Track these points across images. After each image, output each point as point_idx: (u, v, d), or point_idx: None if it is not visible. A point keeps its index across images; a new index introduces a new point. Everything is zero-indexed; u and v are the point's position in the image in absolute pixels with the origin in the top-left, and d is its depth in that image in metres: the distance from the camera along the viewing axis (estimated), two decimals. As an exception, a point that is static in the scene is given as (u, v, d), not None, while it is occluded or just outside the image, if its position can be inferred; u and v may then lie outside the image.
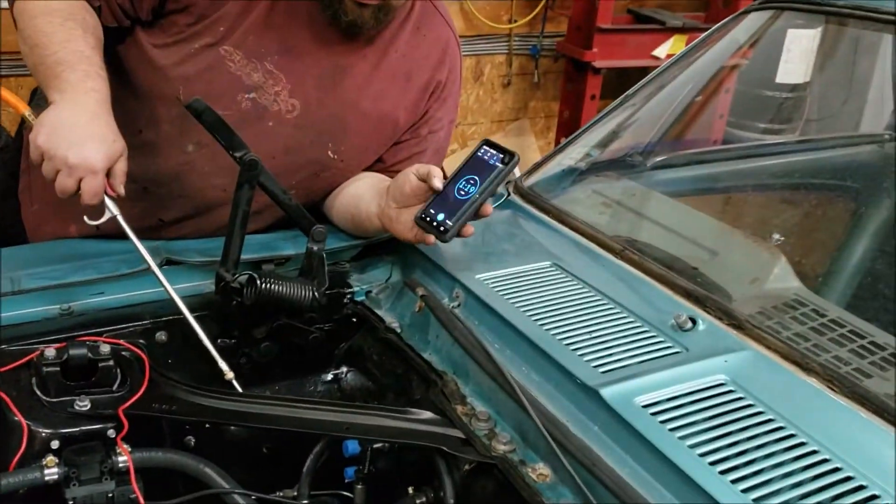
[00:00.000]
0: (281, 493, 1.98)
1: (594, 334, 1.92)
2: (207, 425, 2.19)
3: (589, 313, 2.01)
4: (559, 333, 1.92)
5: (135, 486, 1.79)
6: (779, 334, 1.92)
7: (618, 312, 2.02)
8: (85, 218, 2.06)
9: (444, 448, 1.82)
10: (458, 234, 2.10)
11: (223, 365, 2.07)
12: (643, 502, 1.54)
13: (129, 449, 1.83)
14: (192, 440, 2.18)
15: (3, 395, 1.89)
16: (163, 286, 2.06)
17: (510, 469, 1.72)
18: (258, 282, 2.10)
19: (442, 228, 2.08)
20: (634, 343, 1.90)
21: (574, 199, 2.57)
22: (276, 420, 1.93)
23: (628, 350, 1.87)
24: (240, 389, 2.08)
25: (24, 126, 2.20)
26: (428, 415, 1.92)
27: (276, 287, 2.12)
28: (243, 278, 2.12)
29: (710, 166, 2.97)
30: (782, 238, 2.20)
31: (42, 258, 2.27)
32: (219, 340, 2.24)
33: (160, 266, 2.22)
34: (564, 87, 6.31)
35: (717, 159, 3.04)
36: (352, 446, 2.13)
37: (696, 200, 2.73)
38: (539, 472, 1.72)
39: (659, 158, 2.84)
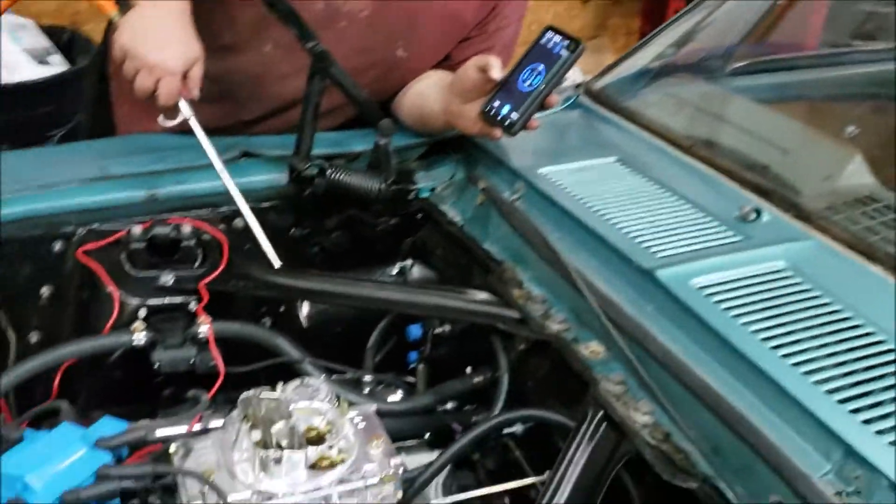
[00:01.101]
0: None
1: (654, 224, 1.93)
2: (282, 308, 2.31)
3: (651, 205, 2.02)
4: (618, 222, 1.94)
5: (214, 352, 1.91)
6: (846, 226, 1.89)
7: (681, 204, 2.02)
8: (160, 119, 2.16)
9: (500, 326, 1.88)
10: (524, 128, 2.12)
11: (272, 254, 2.14)
12: (694, 375, 1.57)
13: (210, 319, 1.96)
14: (267, 321, 2.30)
15: (97, 267, 2.04)
16: (222, 180, 2.14)
17: (564, 346, 1.77)
18: (328, 171, 2.18)
19: (507, 122, 2.10)
20: (695, 232, 1.90)
21: (646, 101, 2.54)
22: (343, 297, 2.03)
23: (688, 238, 1.88)
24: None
25: (110, 28, 2.30)
26: (485, 295, 1.98)
27: (345, 177, 2.20)
28: (315, 169, 2.20)
29: (794, 73, 2.88)
30: (857, 130, 2.15)
31: (130, 149, 2.40)
32: (293, 230, 2.35)
33: (238, 157, 2.34)
34: (646, 3, 6.12)
35: (802, 66, 2.95)
36: (414, 331, 2.23)
37: (774, 107, 2.66)
38: (592, 349, 1.77)
39: (739, 63, 2.78)
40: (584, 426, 1.62)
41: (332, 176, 2.19)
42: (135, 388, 2.07)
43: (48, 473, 1.35)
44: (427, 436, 2.03)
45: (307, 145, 2.23)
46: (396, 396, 2.05)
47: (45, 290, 2.13)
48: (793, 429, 1.43)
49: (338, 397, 1.69)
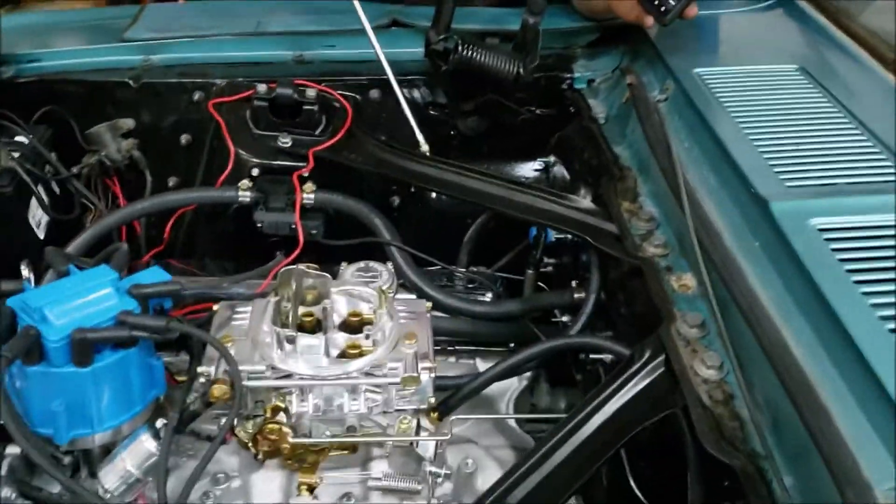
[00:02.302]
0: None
1: (804, 146, 1.58)
2: (412, 189, 2.22)
3: (812, 125, 1.65)
4: (762, 141, 1.61)
5: (297, 218, 1.87)
6: None
7: (852, 129, 1.64)
8: None
9: (590, 240, 1.66)
10: (680, 15, 1.83)
11: (419, 134, 2.05)
12: (774, 333, 1.28)
13: (314, 188, 1.92)
14: (396, 200, 2.24)
15: (221, 120, 2.06)
16: (372, 45, 2.04)
17: (652, 272, 1.53)
18: (459, 47, 2.01)
19: (662, 8, 1.82)
20: (851, 164, 1.53)
21: (867, 5, 2.09)
22: (446, 185, 1.89)
23: (838, 169, 1.52)
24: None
25: None
26: (587, 204, 1.76)
27: (478, 55, 2.02)
28: (447, 43, 2.04)
29: None
30: None
31: (287, 9, 2.37)
32: (429, 109, 2.23)
33: (387, 26, 2.24)
34: None
35: None
36: (533, 232, 2.04)
37: None
38: (683, 282, 1.51)
39: None
40: (637, 365, 1.40)
41: (465, 53, 2.02)
42: (248, 246, 2.10)
43: (68, 310, 1.39)
44: (511, 345, 1.89)
45: (447, 17, 2.06)
46: (486, 299, 1.91)
47: (184, 138, 2.20)
48: (871, 425, 1.12)
49: (388, 288, 1.60)
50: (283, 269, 1.51)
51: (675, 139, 1.70)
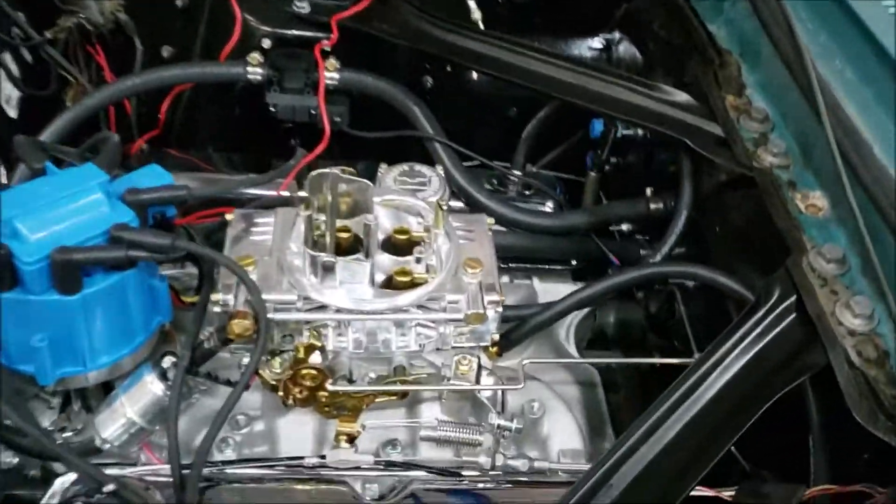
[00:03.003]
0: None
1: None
2: (449, 68, 1.89)
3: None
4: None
5: (322, 104, 1.55)
6: None
7: None
8: None
9: (691, 144, 1.36)
10: None
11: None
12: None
13: (338, 65, 1.59)
14: (429, 80, 1.90)
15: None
16: None
17: (771, 188, 1.24)
18: None
19: None
20: None
21: None
22: (503, 67, 1.56)
23: None
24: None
25: None
26: (685, 98, 1.44)
27: None
28: None
29: None
30: None
31: None
32: (477, -29, 1.87)
33: None
34: None
35: None
36: (598, 127, 1.73)
37: None
38: (811, 201, 1.22)
39: None
40: (763, 310, 1.12)
41: None
42: (258, 133, 1.78)
43: (46, 221, 1.09)
44: (574, 263, 1.61)
45: None
46: (547, 208, 1.62)
47: (180, 1, 1.84)
48: None
49: (444, 200, 1.31)
50: (314, 174, 1.21)
51: (796, 18, 1.37)
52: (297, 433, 1.28)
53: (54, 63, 1.71)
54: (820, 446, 1.12)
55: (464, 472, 1.23)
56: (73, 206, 1.12)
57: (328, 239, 1.18)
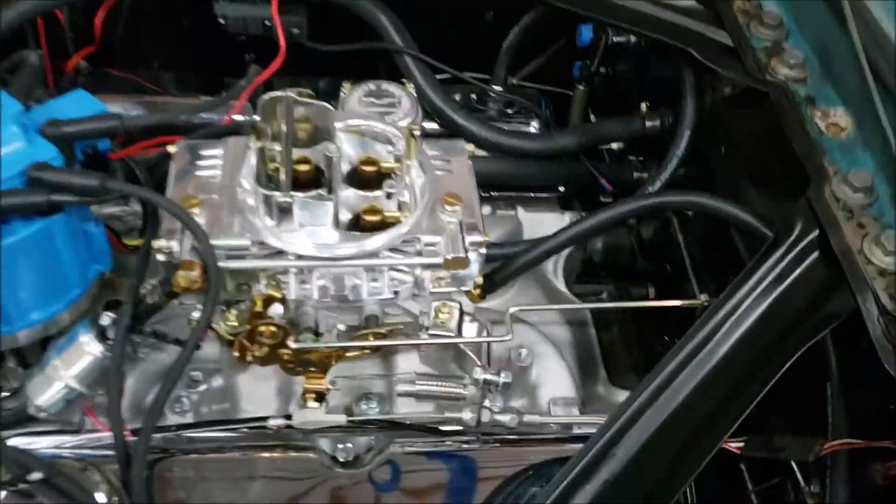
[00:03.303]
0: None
1: None
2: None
3: None
4: None
5: (276, 16, 1.36)
6: None
7: None
8: None
9: (695, 53, 1.20)
10: None
11: None
12: None
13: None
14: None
15: None
16: None
17: (786, 105, 1.09)
18: None
19: None
20: None
21: None
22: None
23: None
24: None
25: None
26: (688, 2, 1.27)
27: None
28: None
29: None
30: None
31: None
32: None
33: None
34: None
35: None
36: (586, 33, 1.56)
37: None
38: (832, 119, 1.08)
39: None
40: (783, 248, 0.99)
41: None
42: (210, 48, 1.59)
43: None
44: (561, 189, 1.47)
45: None
46: (531, 128, 1.46)
47: None
48: None
49: (417, 124, 1.15)
50: (265, 98, 1.04)
51: None
52: (261, 390, 1.15)
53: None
54: (839, 396, 1.01)
55: (446, 429, 1.11)
56: (-18, 143, 0.95)
57: (283, 174, 1.02)
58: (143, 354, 1.15)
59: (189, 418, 1.13)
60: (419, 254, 1.06)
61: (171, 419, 1.12)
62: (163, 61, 1.68)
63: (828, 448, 1.00)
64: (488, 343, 1.14)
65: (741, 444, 1.08)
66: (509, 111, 1.46)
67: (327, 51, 1.42)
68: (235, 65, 1.57)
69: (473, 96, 1.47)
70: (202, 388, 1.16)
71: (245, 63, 1.53)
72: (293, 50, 1.39)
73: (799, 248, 0.98)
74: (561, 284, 1.42)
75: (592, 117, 1.64)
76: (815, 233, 0.99)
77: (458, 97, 1.44)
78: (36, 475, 0.87)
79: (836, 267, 0.95)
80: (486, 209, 1.41)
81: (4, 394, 1.08)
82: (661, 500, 0.92)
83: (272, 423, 1.08)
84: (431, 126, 1.35)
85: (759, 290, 0.97)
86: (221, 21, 1.44)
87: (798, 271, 0.97)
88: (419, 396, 1.12)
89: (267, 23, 1.41)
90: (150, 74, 1.63)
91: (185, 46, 1.67)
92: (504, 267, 1.23)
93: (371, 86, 1.24)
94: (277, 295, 1.04)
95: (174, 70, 1.64)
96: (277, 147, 1.04)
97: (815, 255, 0.98)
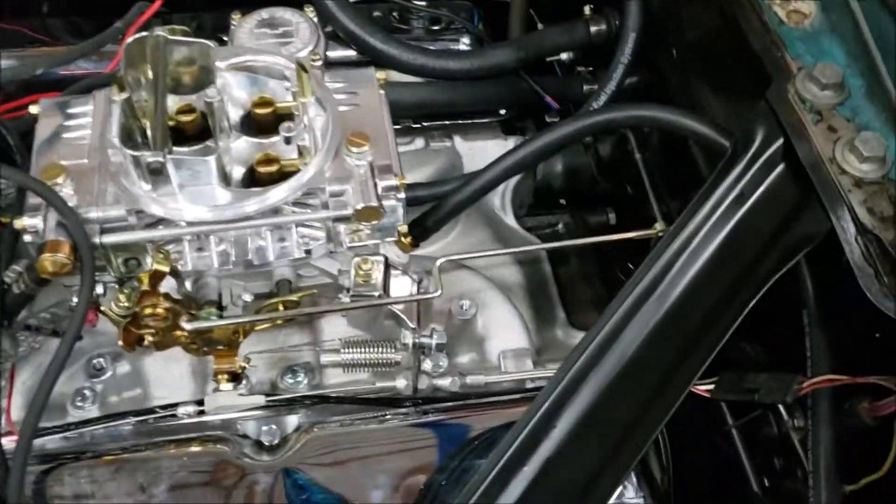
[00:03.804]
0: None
1: None
2: None
3: None
4: None
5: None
6: None
7: None
8: None
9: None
10: None
11: None
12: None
13: None
14: None
15: None
16: None
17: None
18: None
19: None
20: None
21: None
22: None
23: None
24: None
25: None
26: None
27: None
28: None
29: None
30: None
31: None
32: None
33: None
34: None
35: None
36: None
37: None
38: (794, 7, 0.93)
39: None
40: (743, 162, 0.85)
41: None
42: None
43: None
44: (503, 112, 1.31)
45: None
46: (462, 45, 1.30)
47: None
48: None
49: (315, 54, 0.99)
50: (130, 41, 0.89)
51: None
52: (172, 372, 1.03)
53: None
54: (818, 328, 0.88)
55: (381, 399, 0.99)
56: None
57: (154, 129, 0.87)
58: (35, 345, 1.02)
59: (95, 412, 1.00)
60: (325, 206, 0.92)
61: (74, 415, 1.00)
62: (52, 6, 1.50)
63: (808, 386, 0.88)
64: (419, 309, 1.00)
65: (711, 388, 0.96)
66: (436, 28, 1.30)
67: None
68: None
69: (395, 15, 1.31)
70: (106, 375, 1.03)
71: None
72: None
73: (761, 161, 0.84)
74: (510, 219, 1.28)
75: (540, 25, 1.48)
76: (779, 141, 0.84)
77: (377, 15, 1.28)
78: None
79: (805, 180, 0.81)
80: (420, 142, 1.27)
81: None
82: (626, 457, 0.81)
83: (182, 410, 0.95)
84: (347, 55, 1.20)
85: (717, 213, 0.83)
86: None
87: (761, 189, 0.83)
88: (347, 366, 0.99)
89: (161, -46, 1.24)
90: (39, 22, 1.46)
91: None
92: (436, 209, 1.09)
93: (263, 14, 1.08)
94: (165, 269, 0.90)
95: (64, 16, 1.47)
96: (147, 99, 0.89)
97: (780, 168, 0.84)
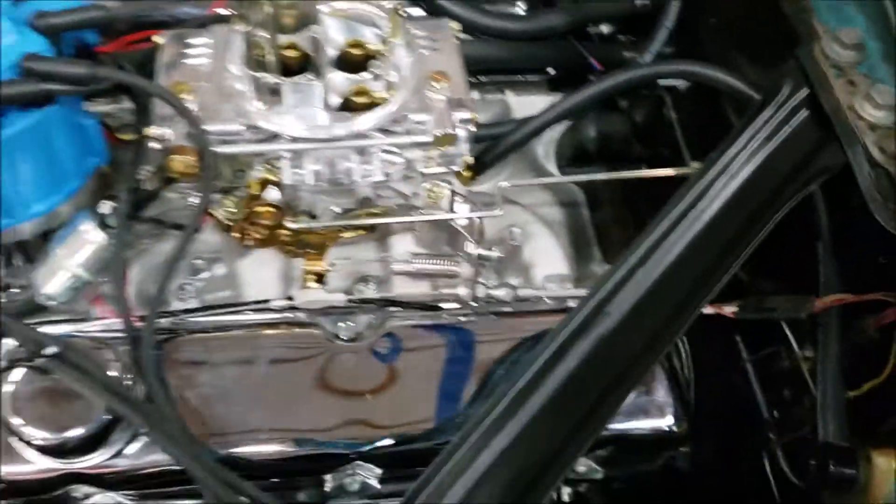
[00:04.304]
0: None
1: None
2: None
3: None
4: None
5: None
6: None
7: None
8: None
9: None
10: None
11: None
12: None
13: None
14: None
15: None
16: None
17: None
18: None
19: None
20: None
21: None
22: None
23: None
24: None
25: None
26: None
27: None
28: None
29: None
30: None
31: None
32: None
33: None
34: None
35: None
36: None
37: None
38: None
39: None
40: (772, 108, 1.00)
41: None
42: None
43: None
44: (551, 71, 1.46)
45: None
46: (517, 9, 1.45)
47: None
48: None
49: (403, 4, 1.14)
50: (248, -18, 1.04)
51: None
52: (262, 275, 1.17)
53: None
54: (829, 255, 1.02)
55: (443, 306, 1.14)
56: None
57: (271, 58, 1.02)
58: (145, 245, 1.17)
59: (193, 304, 1.15)
60: (408, 132, 1.07)
61: (176, 306, 1.14)
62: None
63: (819, 305, 1.02)
64: (481, 221, 1.15)
65: (735, 310, 1.11)
66: (495, -8, 1.45)
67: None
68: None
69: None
70: (205, 275, 1.17)
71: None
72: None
73: (789, 106, 0.99)
74: (552, 166, 1.42)
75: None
76: (805, 91, 0.99)
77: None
78: (50, 349, 0.90)
79: (826, 124, 0.96)
80: (475, 94, 1.40)
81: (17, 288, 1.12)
82: (653, 354, 0.94)
83: (275, 303, 1.10)
84: (417, 12, 1.34)
85: (749, 148, 0.97)
86: None
87: (788, 129, 0.97)
88: (415, 275, 1.14)
89: None
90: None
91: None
92: (493, 147, 1.24)
93: (351, -34, 1.23)
94: (273, 178, 1.06)
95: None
96: (262, 33, 1.04)
97: (805, 112, 0.98)
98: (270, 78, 1.01)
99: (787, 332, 1.13)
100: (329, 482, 1.08)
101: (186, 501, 1.05)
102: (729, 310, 1.11)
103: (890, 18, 0.98)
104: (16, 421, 0.92)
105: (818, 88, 0.98)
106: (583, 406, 0.87)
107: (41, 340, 0.91)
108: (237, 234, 1.08)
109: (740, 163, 0.96)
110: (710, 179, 0.97)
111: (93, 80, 0.96)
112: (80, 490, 0.99)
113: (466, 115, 1.08)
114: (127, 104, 1.19)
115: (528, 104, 1.42)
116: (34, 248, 1.12)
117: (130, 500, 1.04)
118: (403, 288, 1.16)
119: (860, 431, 1.00)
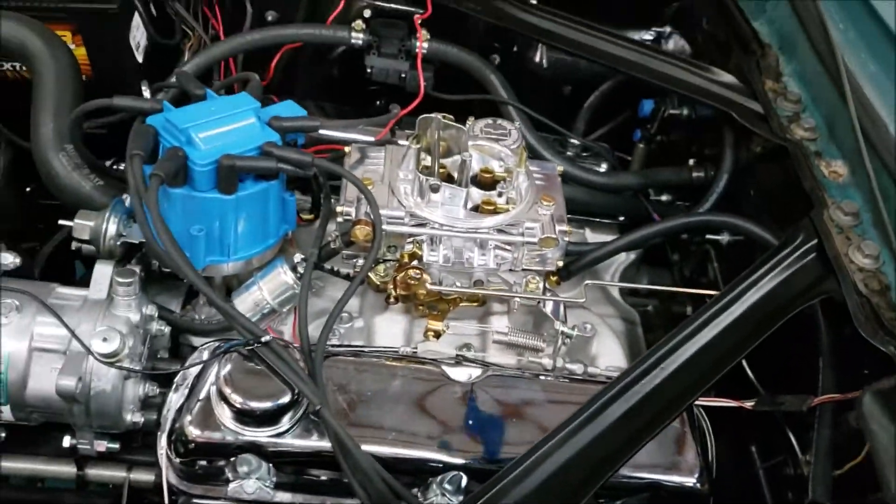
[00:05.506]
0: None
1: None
2: (515, 48, 2.14)
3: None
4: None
5: (420, 69, 1.81)
6: None
7: None
8: None
9: (736, 116, 1.60)
10: None
11: None
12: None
13: (428, 37, 1.84)
14: (496, 58, 2.13)
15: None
16: None
17: (801, 156, 1.49)
18: None
19: None
20: None
21: None
22: (573, 44, 1.80)
23: None
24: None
25: None
26: (730, 79, 1.69)
27: None
28: None
29: None
30: None
31: None
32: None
33: None
34: None
35: None
36: (647, 106, 1.99)
37: None
38: (833, 168, 1.47)
39: None
40: (789, 249, 1.37)
41: None
42: (349, 91, 2.04)
43: (214, 134, 1.34)
44: (621, 218, 1.86)
45: None
46: (601, 168, 1.88)
47: (287, -31, 2.08)
48: None
49: (524, 146, 1.55)
50: (423, 117, 1.46)
51: (829, 18, 1.62)
52: (391, 330, 1.53)
53: (178, 17, 1.97)
54: (829, 362, 1.35)
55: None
56: (233, 125, 1.37)
57: (435, 169, 1.44)
58: (313, 290, 1.54)
59: (335, 342, 1.51)
60: (521, 234, 1.45)
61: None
62: (335, 99, 2.10)
63: (817, 401, 1.35)
64: (564, 311, 1.51)
65: (753, 404, 1.44)
66: (584, 154, 1.88)
67: (450, 99, 1.84)
68: (365, 106, 2.02)
69: (557, 144, 1.89)
70: (348, 325, 1.54)
71: (373, 105, 2.00)
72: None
73: (801, 250, 1.36)
74: (616, 293, 1.80)
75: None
76: (815, 241, 1.36)
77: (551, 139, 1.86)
78: (266, 338, 1.25)
79: (828, 264, 1.33)
80: (562, 226, 1.81)
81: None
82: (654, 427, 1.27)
83: (402, 350, 1.46)
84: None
85: (770, 274, 1.34)
86: (368, 70, 1.86)
87: (800, 263, 1.34)
88: (509, 345, 1.49)
89: (403, 75, 1.85)
90: (301, 103, 2.06)
91: (327, 89, 2.10)
92: (577, 260, 1.61)
93: (489, 120, 1.65)
94: (419, 253, 1.44)
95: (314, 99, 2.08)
96: (427, 153, 1.46)
97: (813, 255, 1.35)
98: (434, 179, 1.41)
99: (792, 439, 1.44)
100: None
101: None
102: (748, 404, 1.43)
103: (878, 200, 1.36)
104: (227, 389, 1.26)
105: (824, 240, 1.35)
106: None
107: (257, 332, 1.26)
108: (390, 288, 1.45)
109: (763, 282, 1.33)
110: (735, 294, 1.33)
111: (310, 166, 1.37)
112: (244, 464, 1.30)
113: (565, 227, 1.46)
114: (305, 196, 1.60)
115: (601, 240, 1.82)
116: (219, 287, 1.50)
117: (276, 488, 1.34)
118: (497, 358, 1.50)
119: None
